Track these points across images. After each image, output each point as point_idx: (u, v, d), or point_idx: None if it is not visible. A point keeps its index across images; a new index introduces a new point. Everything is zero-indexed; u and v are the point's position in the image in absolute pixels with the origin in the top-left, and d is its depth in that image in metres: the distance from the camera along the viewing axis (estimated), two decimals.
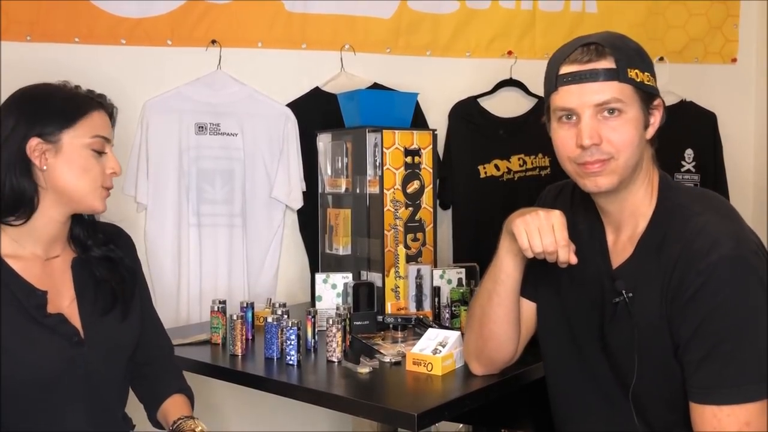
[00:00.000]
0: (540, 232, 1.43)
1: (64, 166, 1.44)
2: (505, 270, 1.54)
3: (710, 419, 1.29)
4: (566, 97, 1.38)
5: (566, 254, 1.43)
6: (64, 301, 1.48)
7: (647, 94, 1.39)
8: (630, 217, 1.45)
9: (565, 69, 1.38)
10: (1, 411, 1.38)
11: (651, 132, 1.42)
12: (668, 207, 1.42)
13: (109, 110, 1.53)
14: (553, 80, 1.40)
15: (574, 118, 1.38)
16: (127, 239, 1.65)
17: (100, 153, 1.48)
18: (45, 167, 1.43)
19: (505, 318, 1.57)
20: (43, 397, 1.41)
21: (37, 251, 1.47)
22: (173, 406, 1.60)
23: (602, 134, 1.36)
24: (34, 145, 1.42)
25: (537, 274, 1.59)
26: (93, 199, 1.47)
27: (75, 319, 1.47)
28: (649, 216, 1.43)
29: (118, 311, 1.53)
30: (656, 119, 1.42)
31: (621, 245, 1.47)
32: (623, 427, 1.44)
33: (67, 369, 1.42)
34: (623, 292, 1.40)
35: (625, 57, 1.37)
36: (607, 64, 1.36)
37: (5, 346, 1.37)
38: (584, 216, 1.54)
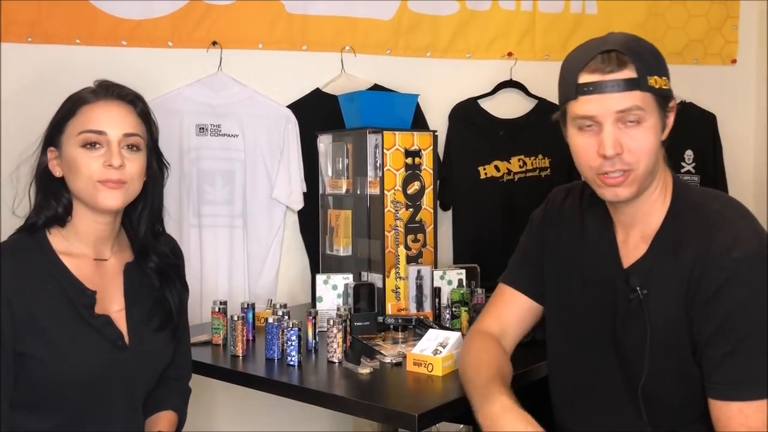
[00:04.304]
0: None
1: (66, 169, 1.46)
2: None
3: (737, 416, 1.29)
4: (587, 105, 1.35)
5: None
6: (112, 304, 1.49)
7: (664, 99, 1.38)
8: (643, 216, 1.44)
9: (585, 78, 1.35)
10: (38, 404, 1.39)
11: (666, 134, 1.41)
12: (684, 205, 1.42)
13: (112, 94, 1.47)
14: (573, 89, 1.36)
15: (594, 126, 1.36)
16: (181, 253, 1.67)
17: (93, 148, 1.43)
18: (60, 174, 1.46)
19: None
20: (81, 394, 1.42)
21: (85, 251, 1.48)
22: (162, 419, 1.60)
23: (622, 142, 1.35)
24: (49, 156, 1.46)
25: (544, 278, 1.58)
26: (95, 196, 1.43)
27: (121, 323, 1.48)
28: (663, 214, 1.43)
29: (163, 321, 1.54)
30: (671, 121, 1.41)
31: (633, 243, 1.46)
32: (628, 427, 1.44)
33: (107, 370, 1.43)
34: (637, 288, 1.40)
35: (645, 65, 1.35)
36: (629, 73, 1.34)
37: (51, 340, 1.38)
38: (594, 218, 1.54)
